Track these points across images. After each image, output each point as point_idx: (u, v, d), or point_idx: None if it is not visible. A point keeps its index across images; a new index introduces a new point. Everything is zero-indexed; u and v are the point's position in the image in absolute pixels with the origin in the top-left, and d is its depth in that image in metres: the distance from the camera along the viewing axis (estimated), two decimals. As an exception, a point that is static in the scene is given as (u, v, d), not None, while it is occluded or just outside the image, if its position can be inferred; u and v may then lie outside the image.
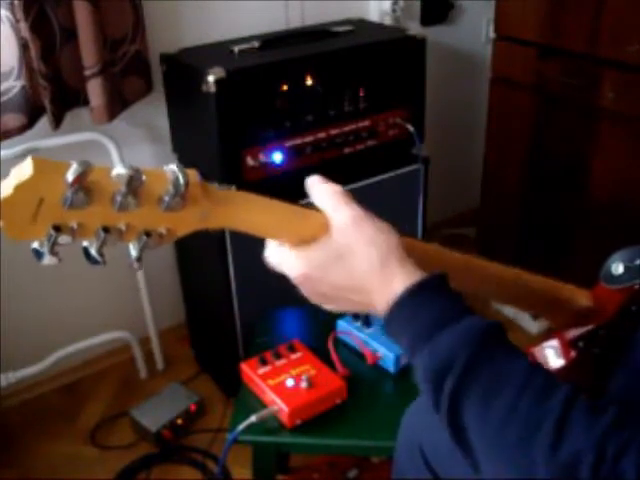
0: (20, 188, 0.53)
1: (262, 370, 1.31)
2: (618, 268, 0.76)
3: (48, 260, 0.57)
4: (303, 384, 1.27)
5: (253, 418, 1.23)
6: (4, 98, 1.52)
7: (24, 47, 1.48)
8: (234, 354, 1.76)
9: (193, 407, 1.87)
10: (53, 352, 1.88)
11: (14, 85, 1.52)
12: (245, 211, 0.64)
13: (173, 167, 0.58)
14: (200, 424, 1.88)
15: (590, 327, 0.79)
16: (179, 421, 1.82)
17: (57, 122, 1.58)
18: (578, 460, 0.55)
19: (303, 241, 0.66)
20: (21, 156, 1.61)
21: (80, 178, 0.54)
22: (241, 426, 1.22)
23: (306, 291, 0.68)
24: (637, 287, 0.76)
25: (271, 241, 0.68)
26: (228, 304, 1.70)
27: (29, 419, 1.92)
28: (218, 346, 1.94)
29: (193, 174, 0.60)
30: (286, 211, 0.67)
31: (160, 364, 2.10)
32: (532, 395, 0.57)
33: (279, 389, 1.26)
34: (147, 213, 0.59)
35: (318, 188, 0.68)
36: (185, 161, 1.80)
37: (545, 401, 0.57)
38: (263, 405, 1.27)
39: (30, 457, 1.80)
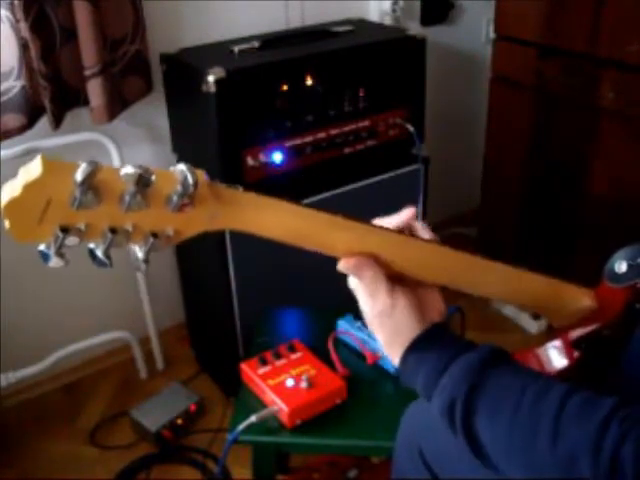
0: (29, 188, 0.53)
1: (262, 370, 1.31)
2: (621, 266, 0.75)
3: (55, 262, 0.56)
4: (303, 384, 1.26)
5: (253, 418, 1.23)
6: (4, 98, 1.52)
7: (24, 47, 1.48)
8: (234, 354, 1.76)
9: (193, 407, 1.87)
10: (53, 352, 1.88)
11: (14, 85, 1.52)
12: (253, 212, 0.64)
13: (182, 167, 0.58)
14: (200, 424, 1.88)
15: (594, 326, 0.79)
16: (179, 421, 1.82)
17: (57, 122, 1.58)
18: (576, 455, 0.58)
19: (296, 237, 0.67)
20: (21, 156, 1.61)
21: (89, 177, 0.53)
22: (241, 426, 1.22)
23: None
24: None
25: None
26: (228, 304, 1.70)
27: (29, 419, 1.92)
28: (218, 346, 1.94)
29: (201, 174, 0.60)
30: (295, 212, 0.67)
31: (160, 364, 2.10)
32: (528, 403, 0.63)
33: (279, 389, 1.26)
34: (155, 213, 0.58)
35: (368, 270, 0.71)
36: (185, 161, 1.79)
37: (540, 405, 0.62)
38: (263, 405, 1.27)
39: (30, 457, 1.80)
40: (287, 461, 1.71)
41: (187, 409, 1.85)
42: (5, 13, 1.46)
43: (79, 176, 0.52)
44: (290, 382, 1.27)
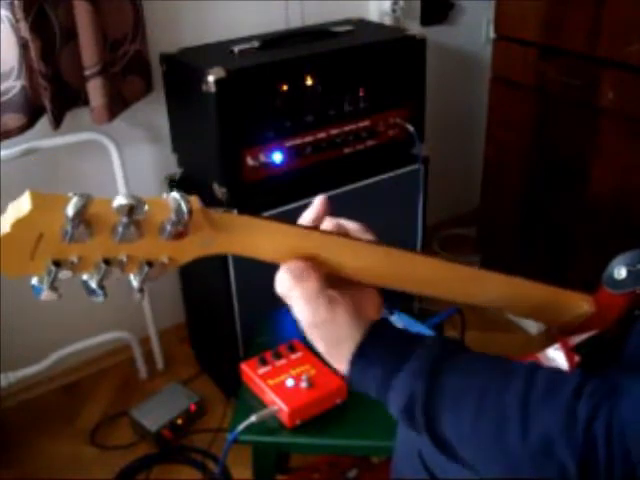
0: (18, 225, 0.51)
1: (262, 370, 1.31)
2: (621, 272, 0.75)
3: (47, 296, 0.55)
4: (303, 384, 1.27)
5: (253, 418, 1.23)
6: (4, 98, 1.52)
7: (24, 47, 1.48)
8: (234, 354, 1.76)
9: (193, 407, 1.87)
10: (53, 352, 1.88)
11: (14, 85, 1.52)
12: (248, 237, 0.63)
13: (175, 195, 0.56)
14: (200, 424, 1.88)
15: (594, 333, 0.78)
16: (179, 421, 1.82)
17: (57, 122, 1.58)
18: (550, 438, 0.57)
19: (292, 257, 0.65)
20: (21, 156, 1.61)
21: (80, 212, 0.52)
22: (241, 426, 1.22)
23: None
24: None
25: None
26: (228, 304, 1.70)
27: (29, 419, 1.92)
28: (218, 346, 1.94)
29: (195, 201, 0.58)
30: (288, 234, 0.65)
31: (160, 364, 2.10)
32: (492, 391, 0.61)
33: (279, 389, 1.26)
34: (149, 243, 0.57)
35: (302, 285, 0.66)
36: (185, 161, 1.80)
37: (504, 391, 0.60)
38: (263, 405, 1.27)
39: (30, 457, 1.80)
40: (287, 461, 1.71)
41: (187, 409, 1.85)
42: (5, 13, 1.46)
43: (70, 211, 0.51)
44: (290, 382, 1.27)
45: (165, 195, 0.57)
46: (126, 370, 2.09)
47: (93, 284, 0.58)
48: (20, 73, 1.51)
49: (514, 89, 2.10)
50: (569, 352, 0.78)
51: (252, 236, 0.64)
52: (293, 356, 1.35)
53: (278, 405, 1.24)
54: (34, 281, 0.55)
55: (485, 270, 0.73)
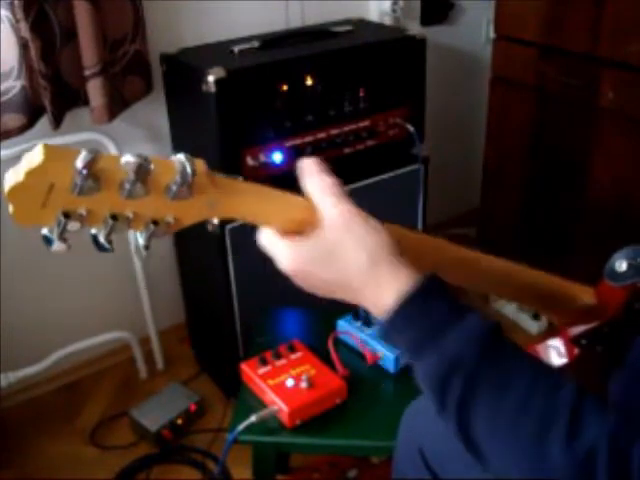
0: (31, 174, 0.54)
1: (262, 370, 1.31)
2: (622, 265, 0.76)
3: (57, 246, 0.58)
4: (303, 384, 1.27)
5: (253, 418, 1.23)
6: (4, 98, 1.52)
7: (24, 47, 1.48)
8: (234, 354, 1.76)
9: (193, 407, 1.87)
10: (53, 352, 1.88)
11: (14, 85, 1.52)
12: (252, 201, 0.65)
13: (181, 157, 0.59)
14: (200, 424, 1.88)
15: (593, 324, 0.79)
16: (179, 421, 1.82)
17: (57, 122, 1.58)
18: (594, 450, 0.55)
19: (294, 229, 0.66)
20: (21, 156, 1.61)
21: (89, 165, 0.54)
22: (241, 426, 1.22)
23: (298, 282, 0.67)
24: None
25: (266, 228, 0.68)
26: (228, 304, 1.70)
27: (29, 419, 1.92)
28: (218, 346, 1.94)
29: (200, 164, 0.60)
30: (291, 202, 0.67)
31: (160, 364, 2.10)
32: (542, 390, 0.57)
33: (279, 389, 1.26)
34: (155, 201, 0.59)
35: (312, 179, 0.67)
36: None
37: (556, 396, 0.57)
38: (263, 405, 1.27)
39: (30, 457, 1.80)
40: (287, 461, 1.71)
41: (187, 409, 1.85)
42: (5, 13, 1.46)
43: (79, 163, 0.54)
44: (290, 382, 1.27)
45: (172, 157, 0.59)
46: (126, 370, 2.08)
47: (101, 238, 0.60)
48: (20, 73, 1.51)
49: (514, 89, 2.10)
50: (568, 343, 0.78)
51: (255, 202, 0.65)
52: (293, 356, 1.35)
53: (278, 405, 1.24)
54: (45, 231, 0.58)
55: (489, 255, 0.74)
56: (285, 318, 1.62)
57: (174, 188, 0.59)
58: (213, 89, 1.48)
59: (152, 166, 0.57)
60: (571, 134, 1.99)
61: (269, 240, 0.67)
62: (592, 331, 0.79)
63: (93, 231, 0.60)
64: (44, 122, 1.59)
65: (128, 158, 0.56)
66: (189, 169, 0.58)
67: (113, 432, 1.88)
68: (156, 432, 1.78)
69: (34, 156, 0.55)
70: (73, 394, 2.01)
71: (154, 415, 1.82)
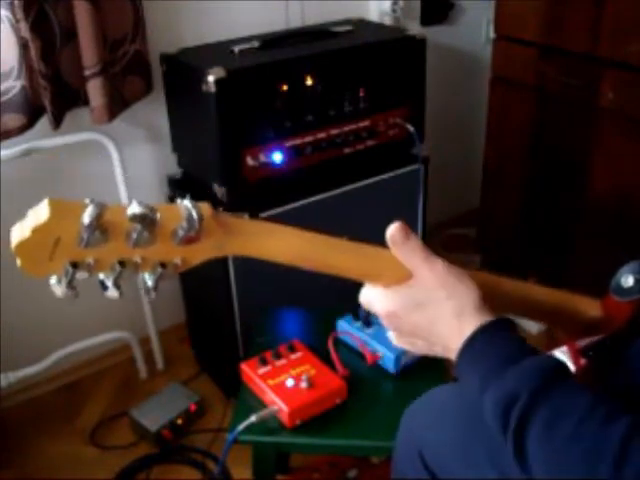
0: (37, 231, 0.55)
1: (262, 370, 1.31)
2: (628, 281, 0.76)
3: (64, 293, 0.59)
4: (303, 384, 1.27)
5: (253, 418, 1.23)
6: (4, 98, 1.52)
7: (24, 47, 1.48)
8: (234, 354, 1.76)
9: (193, 407, 1.87)
10: (53, 352, 1.88)
11: (14, 85, 1.52)
12: (258, 239, 0.66)
13: (186, 203, 0.59)
14: (200, 424, 1.88)
15: (600, 337, 0.79)
16: (179, 421, 1.82)
17: (57, 122, 1.58)
18: None
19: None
20: (21, 156, 1.61)
21: (96, 219, 0.55)
22: (241, 426, 1.22)
23: (390, 327, 0.74)
24: None
25: (366, 282, 0.73)
26: (228, 304, 1.70)
27: (29, 419, 1.92)
28: (218, 346, 1.94)
29: (206, 207, 0.61)
30: (298, 237, 0.69)
31: (160, 364, 2.10)
32: (594, 421, 0.60)
33: (279, 389, 1.26)
34: (162, 247, 0.60)
35: (407, 246, 0.71)
36: (185, 161, 1.80)
37: (607, 427, 0.59)
38: (263, 405, 1.27)
39: (30, 457, 1.80)
40: (287, 461, 1.71)
41: (187, 409, 1.85)
42: (5, 13, 1.46)
43: (86, 219, 0.55)
44: (290, 382, 1.27)
45: (177, 202, 0.60)
46: (126, 370, 2.08)
47: (109, 283, 0.62)
48: (20, 73, 1.51)
49: (514, 89, 2.10)
50: (576, 355, 0.78)
51: (263, 240, 0.67)
52: (293, 356, 1.35)
53: (278, 405, 1.24)
54: (53, 280, 0.59)
55: (495, 275, 0.75)
56: (285, 318, 1.62)
57: (181, 233, 0.60)
58: (213, 89, 1.48)
59: (158, 215, 0.58)
60: (571, 134, 1.99)
61: (367, 290, 0.74)
62: (599, 343, 0.79)
63: (101, 276, 0.61)
64: (44, 122, 1.59)
65: (134, 209, 0.56)
66: (195, 215, 0.59)
67: (113, 432, 1.88)
68: (156, 432, 1.78)
69: (40, 211, 0.55)
70: (73, 394, 2.01)
71: (154, 415, 1.82)
